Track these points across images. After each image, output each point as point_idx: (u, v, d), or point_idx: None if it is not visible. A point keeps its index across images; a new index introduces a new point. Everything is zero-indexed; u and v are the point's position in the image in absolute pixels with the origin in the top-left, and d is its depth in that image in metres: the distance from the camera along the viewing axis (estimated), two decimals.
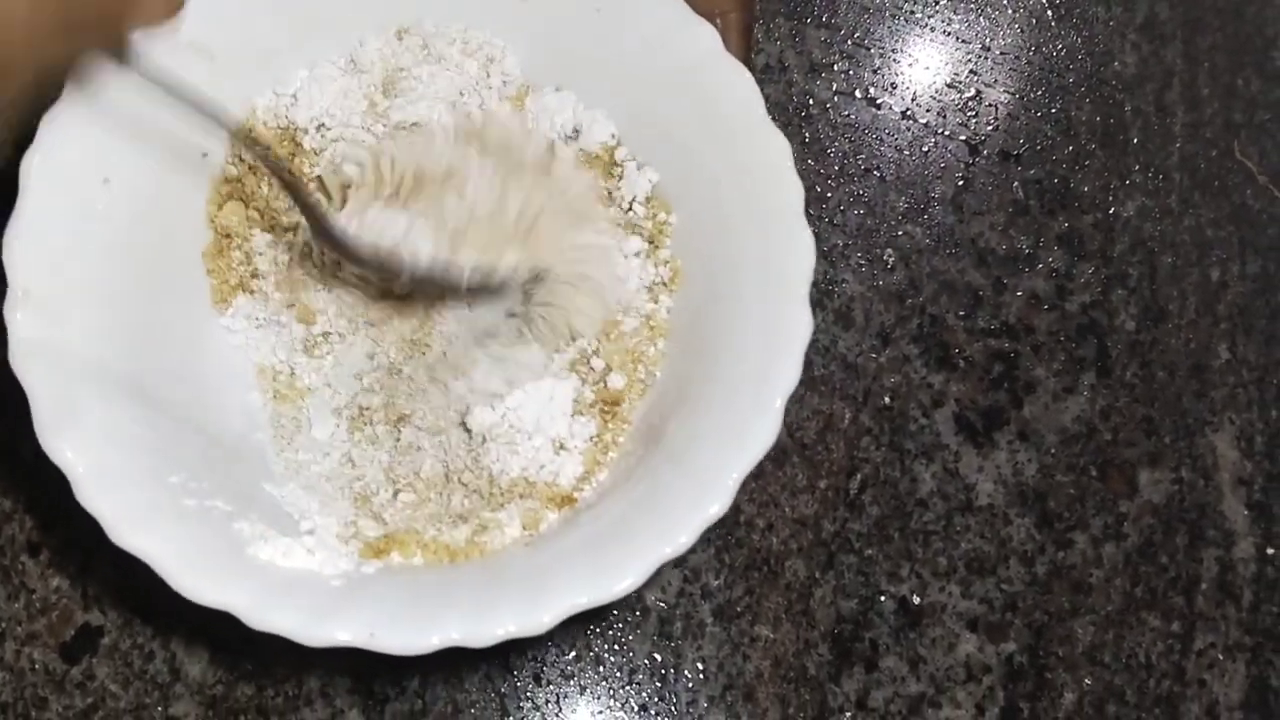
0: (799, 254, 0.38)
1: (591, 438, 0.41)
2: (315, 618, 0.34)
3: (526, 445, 0.41)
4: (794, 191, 0.39)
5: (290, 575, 0.36)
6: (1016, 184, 0.51)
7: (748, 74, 0.40)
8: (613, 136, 0.43)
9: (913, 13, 0.54)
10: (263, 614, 0.34)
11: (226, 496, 0.38)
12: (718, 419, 0.37)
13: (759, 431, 0.36)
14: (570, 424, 0.41)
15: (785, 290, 0.38)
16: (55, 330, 0.37)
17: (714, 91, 0.40)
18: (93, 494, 0.34)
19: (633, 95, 0.42)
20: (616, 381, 0.42)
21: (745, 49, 0.43)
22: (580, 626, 0.44)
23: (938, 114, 0.52)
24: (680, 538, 0.35)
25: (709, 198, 0.41)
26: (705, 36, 0.40)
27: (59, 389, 0.36)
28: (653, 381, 0.42)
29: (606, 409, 0.42)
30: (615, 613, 0.44)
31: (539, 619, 0.34)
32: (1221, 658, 0.46)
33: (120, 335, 0.39)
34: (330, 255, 0.42)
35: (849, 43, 0.53)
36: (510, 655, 0.43)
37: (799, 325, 0.38)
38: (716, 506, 0.35)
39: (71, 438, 0.35)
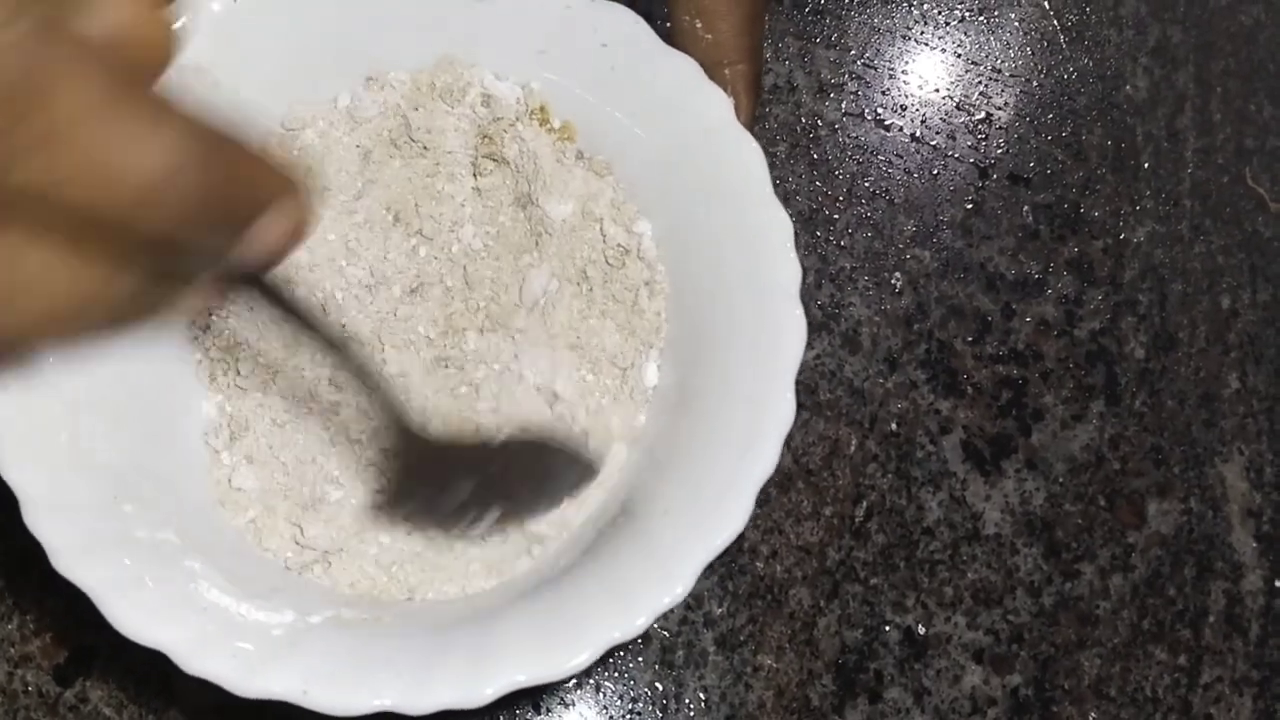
0: (789, 336, 0.37)
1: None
2: (251, 668, 0.33)
3: None
4: (791, 272, 0.37)
5: (231, 620, 0.35)
6: (1026, 208, 0.51)
7: (756, 146, 0.39)
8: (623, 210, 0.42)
9: (923, 34, 0.53)
10: (197, 660, 0.33)
11: (178, 529, 0.36)
12: (689, 499, 0.36)
13: (728, 519, 0.35)
14: None
15: (771, 371, 0.37)
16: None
17: (721, 160, 0.39)
18: (40, 519, 0.33)
19: (640, 155, 0.41)
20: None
21: (753, 103, 0.41)
22: None
23: (947, 136, 0.52)
24: (636, 620, 0.34)
25: (703, 266, 0.40)
26: (718, 103, 0.39)
27: (26, 409, 0.35)
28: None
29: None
30: None
31: (481, 691, 0.33)
32: (1228, 692, 0.46)
33: (95, 360, 0.37)
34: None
35: (858, 63, 0.52)
36: None
37: (782, 409, 0.36)
38: (678, 590, 0.34)
39: (31, 459, 0.34)
